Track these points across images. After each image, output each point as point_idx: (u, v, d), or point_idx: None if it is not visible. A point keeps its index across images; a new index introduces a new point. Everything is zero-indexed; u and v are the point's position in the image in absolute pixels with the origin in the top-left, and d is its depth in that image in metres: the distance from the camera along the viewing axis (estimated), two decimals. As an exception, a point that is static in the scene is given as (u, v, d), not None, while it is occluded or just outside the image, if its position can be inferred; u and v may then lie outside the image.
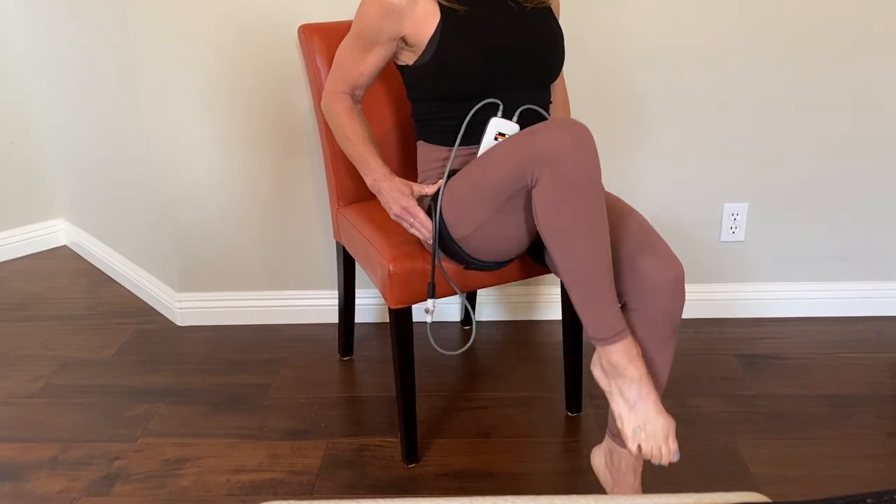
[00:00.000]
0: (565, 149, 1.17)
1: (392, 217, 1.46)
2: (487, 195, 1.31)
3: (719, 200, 2.09)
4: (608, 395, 1.25)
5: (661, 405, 1.22)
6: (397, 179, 1.45)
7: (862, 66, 1.95)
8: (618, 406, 1.23)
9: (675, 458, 1.22)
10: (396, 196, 1.43)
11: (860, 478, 1.56)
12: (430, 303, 1.45)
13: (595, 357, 1.27)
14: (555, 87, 1.62)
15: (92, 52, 2.19)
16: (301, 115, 2.01)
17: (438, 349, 1.49)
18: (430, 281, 1.45)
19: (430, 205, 1.44)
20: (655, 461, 1.21)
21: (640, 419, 1.21)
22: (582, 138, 1.18)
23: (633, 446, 1.22)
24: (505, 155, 1.28)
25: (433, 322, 2.18)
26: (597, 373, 1.27)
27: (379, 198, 1.48)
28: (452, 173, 1.43)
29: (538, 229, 1.25)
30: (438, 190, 1.41)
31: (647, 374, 1.23)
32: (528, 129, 1.27)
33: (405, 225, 1.45)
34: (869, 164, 2.04)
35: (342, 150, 1.55)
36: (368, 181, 1.49)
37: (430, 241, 1.43)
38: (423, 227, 1.42)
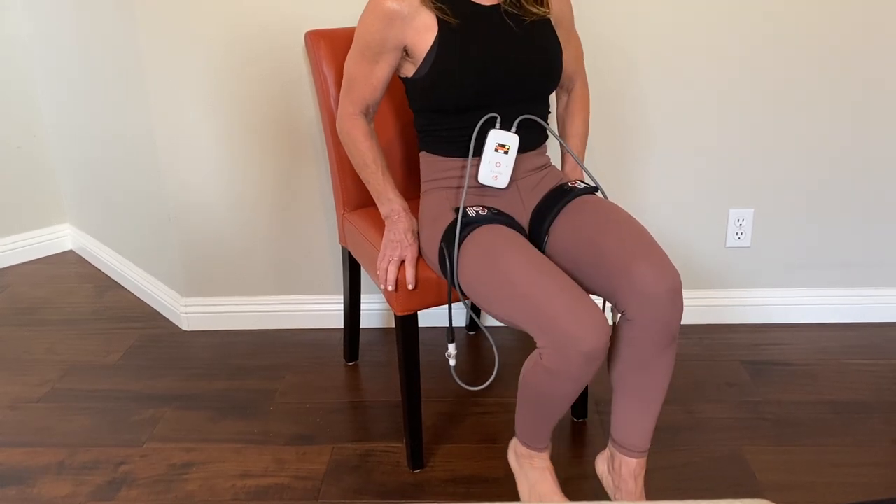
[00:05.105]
0: (579, 353, 1.20)
1: (382, 249, 1.50)
2: (497, 313, 1.33)
3: (725, 206, 2.08)
4: (515, 474, 1.46)
5: None
6: (407, 223, 1.49)
7: (869, 71, 1.95)
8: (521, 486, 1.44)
9: None
10: (396, 246, 1.48)
11: (867, 484, 1.55)
12: (451, 348, 1.46)
13: (513, 444, 1.46)
14: (574, 93, 1.62)
15: (100, 58, 2.20)
16: (307, 120, 2.02)
17: (463, 385, 1.54)
18: (449, 326, 1.44)
19: (441, 246, 1.42)
20: None
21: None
22: (595, 350, 1.20)
23: None
24: (524, 307, 1.26)
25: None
26: (511, 457, 1.47)
27: (387, 227, 1.51)
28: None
29: (522, 376, 1.34)
30: (450, 234, 1.41)
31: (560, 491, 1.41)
32: (561, 295, 1.24)
33: (391, 260, 1.49)
34: (875, 169, 2.04)
35: (358, 173, 1.56)
36: (384, 211, 1.52)
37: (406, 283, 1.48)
38: (405, 279, 1.48)
